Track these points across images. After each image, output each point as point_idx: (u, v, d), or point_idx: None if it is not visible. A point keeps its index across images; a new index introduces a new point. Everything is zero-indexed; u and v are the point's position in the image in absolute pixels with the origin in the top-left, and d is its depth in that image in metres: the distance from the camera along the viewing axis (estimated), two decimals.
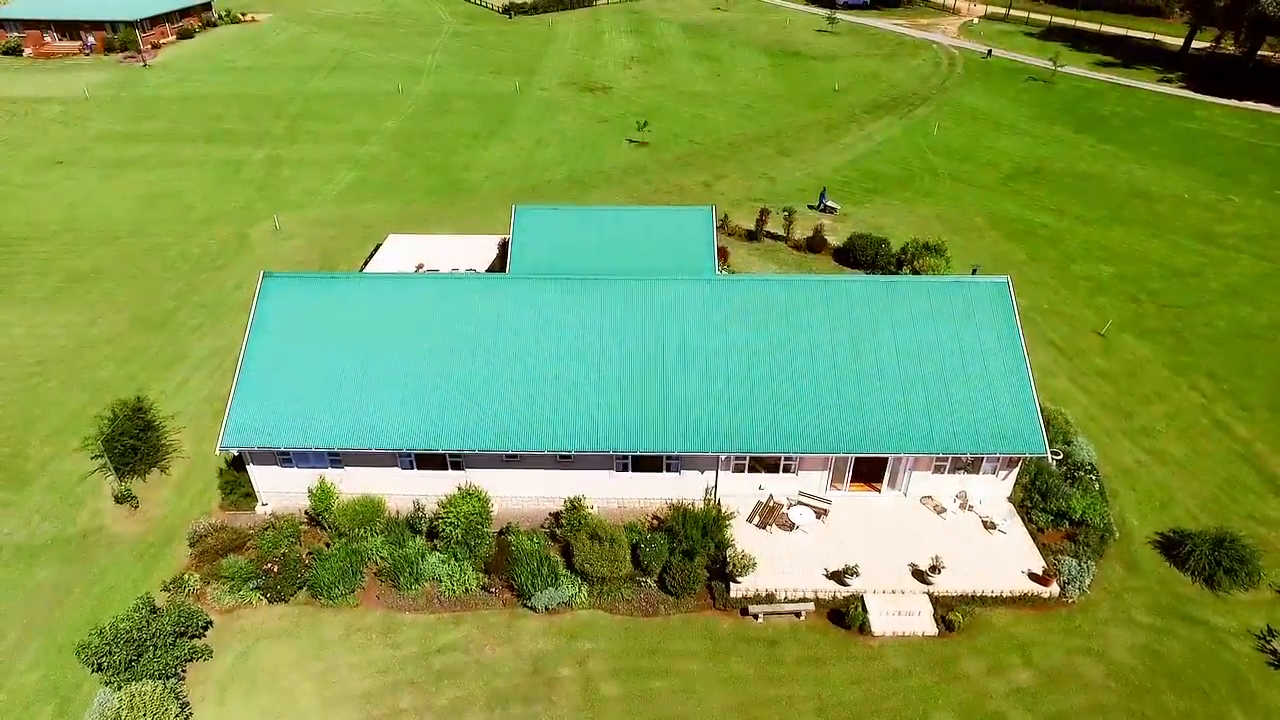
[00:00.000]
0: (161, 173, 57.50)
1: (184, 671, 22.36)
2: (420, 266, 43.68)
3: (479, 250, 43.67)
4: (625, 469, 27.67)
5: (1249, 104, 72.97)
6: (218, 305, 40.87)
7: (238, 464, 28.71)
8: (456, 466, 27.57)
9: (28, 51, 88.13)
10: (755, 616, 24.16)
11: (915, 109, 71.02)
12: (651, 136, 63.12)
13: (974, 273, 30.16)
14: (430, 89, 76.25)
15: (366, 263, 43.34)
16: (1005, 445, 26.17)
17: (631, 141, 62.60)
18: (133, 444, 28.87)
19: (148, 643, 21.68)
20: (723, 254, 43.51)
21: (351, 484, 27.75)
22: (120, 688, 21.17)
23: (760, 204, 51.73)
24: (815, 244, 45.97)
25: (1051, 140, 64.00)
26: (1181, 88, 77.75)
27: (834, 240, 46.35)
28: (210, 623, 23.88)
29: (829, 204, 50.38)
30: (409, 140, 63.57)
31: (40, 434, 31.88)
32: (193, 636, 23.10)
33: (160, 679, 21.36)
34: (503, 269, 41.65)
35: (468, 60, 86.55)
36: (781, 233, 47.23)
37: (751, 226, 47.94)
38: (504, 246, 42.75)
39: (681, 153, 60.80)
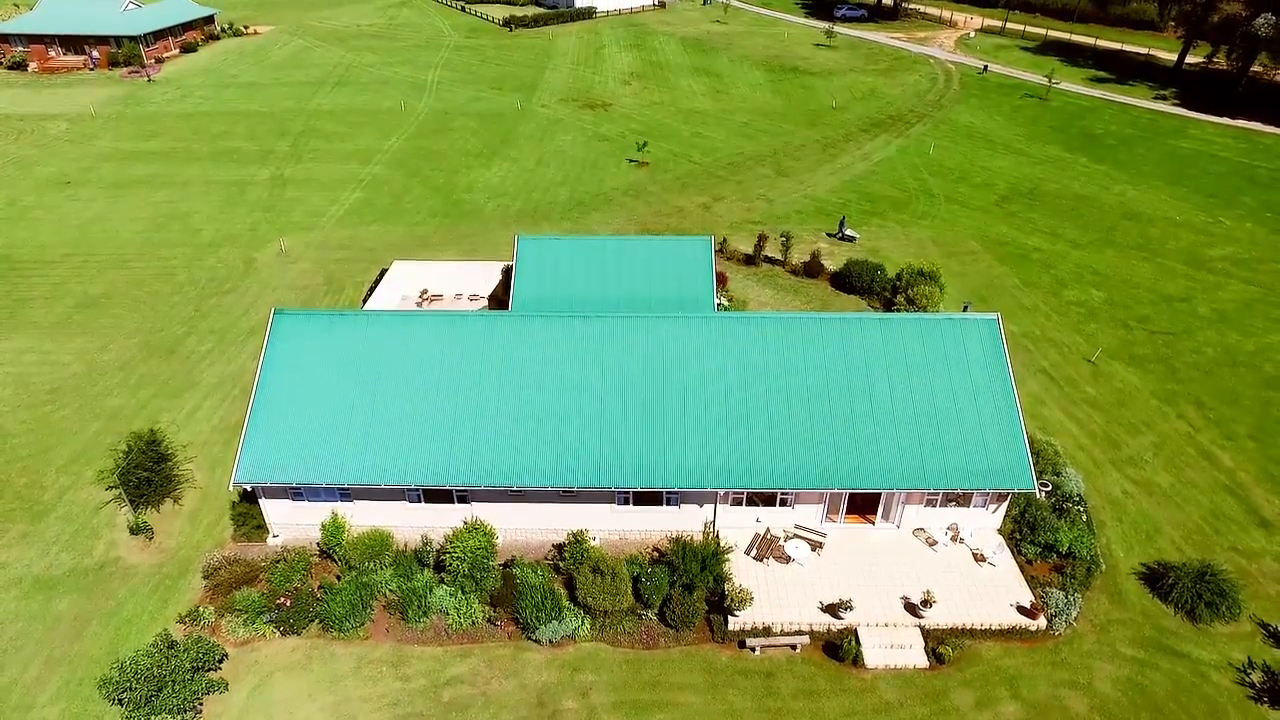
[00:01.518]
0: (168, 193, 58.33)
1: (201, 705, 23.17)
2: (425, 292, 44.56)
3: (482, 276, 44.52)
4: (626, 502, 28.50)
5: (1241, 122, 73.94)
6: (226, 331, 41.68)
7: (249, 496, 29.52)
8: (463, 500, 28.40)
9: (32, 66, 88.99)
10: (752, 649, 24.99)
11: (912, 127, 71.95)
12: (651, 157, 64.00)
13: (965, 309, 30.97)
14: (432, 106, 77.13)
15: (372, 289, 44.18)
16: (995, 481, 27.03)
17: (632, 161, 63.48)
18: (147, 476, 29.67)
19: (167, 678, 22.49)
20: (721, 279, 44.43)
21: (360, 517, 28.58)
22: None
23: (758, 226, 52.69)
24: (812, 269, 46.82)
25: (1045, 160, 64.93)
26: (1175, 105, 78.72)
27: (831, 265, 47.23)
28: (225, 655, 24.68)
29: (848, 233, 50.55)
30: (412, 160, 64.44)
31: (55, 463, 32.68)
32: (209, 670, 23.91)
33: (179, 713, 22.16)
34: (506, 294, 42.56)
35: (469, 75, 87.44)
36: (779, 257, 48.09)
37: (750, 251, 48.81)
38: (507, 272, 43.63)
39: (680, 173, 61.68)
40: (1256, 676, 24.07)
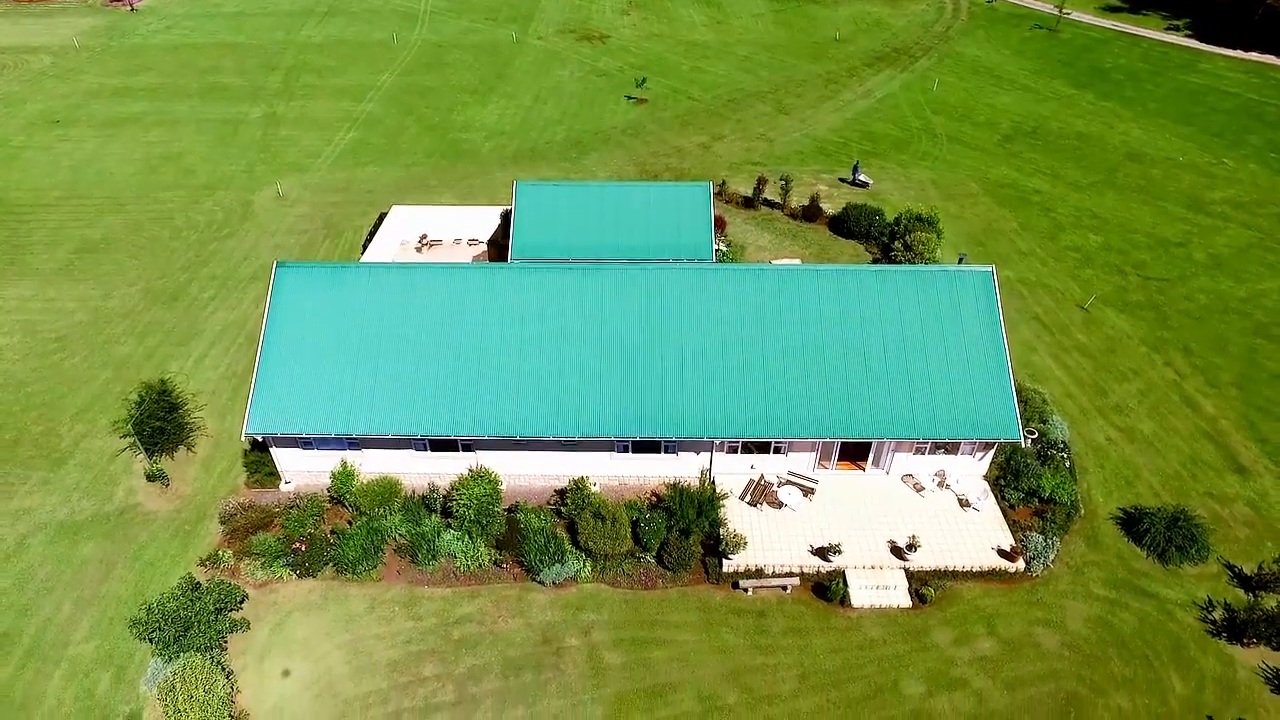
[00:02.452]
0: (160, 132, 57.54)
1: (226, 643, 24.62)
2: (424, 237, 44.65)
3: (481, 220, 44.46)
4: (625, 450, 29.47)
5: (1254, 56, 72.25)
6: (228, 278, 41.97)
7: (260, 444, 30.47)
8: (468, 448, 29.37)
9: None
10: (745, 590, 26.37)
11: (916, 61, 70.37)
12: (650, 93, 62.85)
13: (960, 261, 31.26)
14: (425, 38, 75.15)
15: (372, 234, 44.23)
16: (982, 431, 27.94)
17: (630, 99, 62.38)
18: (160, 425, 30.55)
19: (193, 619, 23.85)
20: (720, 224, 44.48)
21: (369, 465, 29.60)
22: (171, 659, 23.45)
23: (758, 167, 52.31)
24: (811, 213, 46.77)
25: (1051, 97, 63.81)
26: (1188, 36, 76.74)
27: (830, 209, 47.14)
28: (246, 596, 26.05)
29: (861, 178, 49.97)
30: (406, 96, 63.27)
31: (69, 411, 33.53)
32: (231, 610, 25.30)
33: (205, 651, 23.60)
34: (505, 239, 42.72)
35: (462, 3, 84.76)
36: (779, 200, 47.94)
37: (749, 193, 48.61)
38: (506, 216, 43.60)
39: (680, 111, 60.71)
40: (1217, 614, 25.51)
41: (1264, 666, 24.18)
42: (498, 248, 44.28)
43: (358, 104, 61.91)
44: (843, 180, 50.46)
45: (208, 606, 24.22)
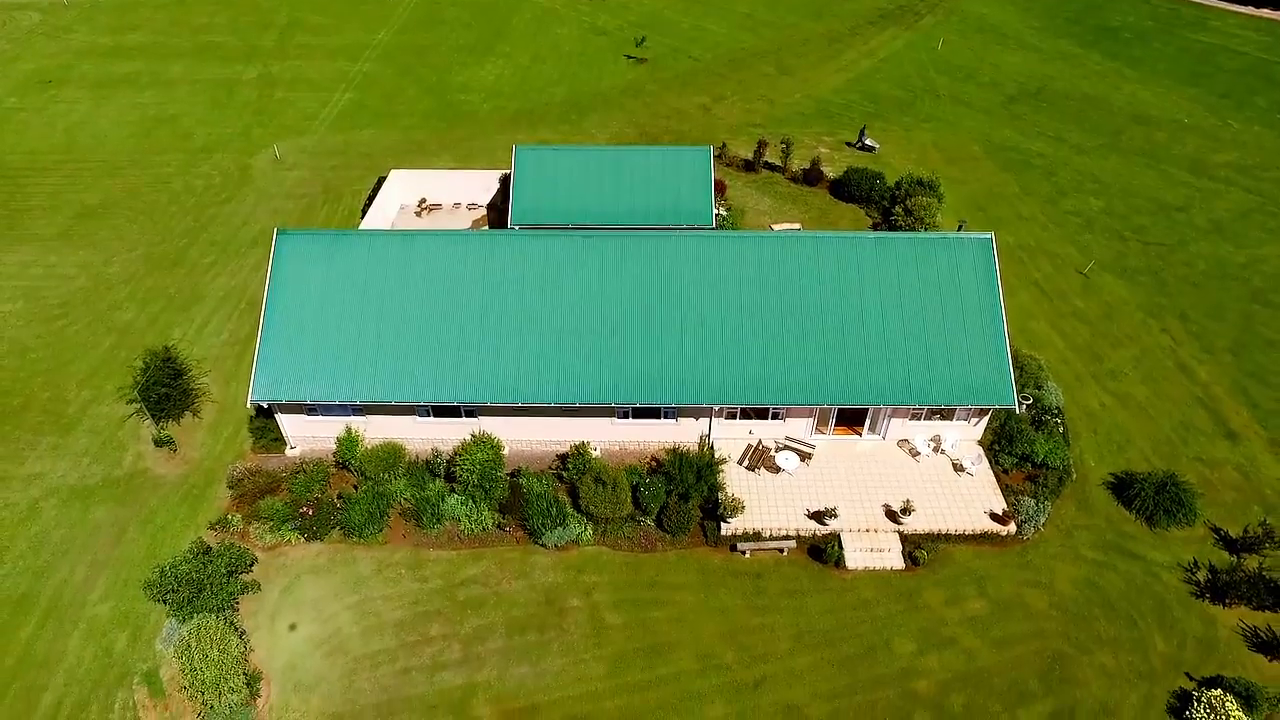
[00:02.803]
0: (154, 94, 56.84)
1: (237, 604, 25.34)
2: (423, 201, 44.55)
3: (480, 185, 44.29)
4: (626, 416, 29.89)
5: (1266, 12, 70.90)
6: (228, 243, 41.96)
7: (265, 410, 30.86)
8: (470, 414, 29.79)
9: None
10: (743, 552, 27.04)
11: (921, 18, 69.10)
12: (649, 53, 61.88)
13: (960, 228, 31.26)
14: None
15: (371, 198, 44.06)
16: (978, 398, 28.34)
17: (629, 58, 61.46)
18: (165, 391, 30.92)
19: (205, 581, 24.53)
20: (720, 187, 44.30)
21: (373, 430, 30.06)
22: (185, 620, 24.18)
23: (759, 130, 51.86)
24: (812, 176, 46.53)
25: (1057, 56, 62.86)
26: None
27: (830, 172, 46.88)
28: (255, 559, 26.71)
29: (868, 143, 49.28)
30: (403, 56, 62.33)
31: (75, 377, 33.87)
32: (242, 573, 25.98)
33: (218, 611, 24.33)
34: (505, 203, 42.60)
35: None
36: (779, 164, 47.63)
37: (750, 156, 48.28)
38: (505, 180, 43.42)
39: (680, 71, 59.89)
40: (1201, 575, 26.21)
41: (1243, 625, 24.96)
42: (498, 211, 44.21)
43: (353, 64, 61.02)
44: (850, 145, 49.95)
45: (219, 569, 24.89)
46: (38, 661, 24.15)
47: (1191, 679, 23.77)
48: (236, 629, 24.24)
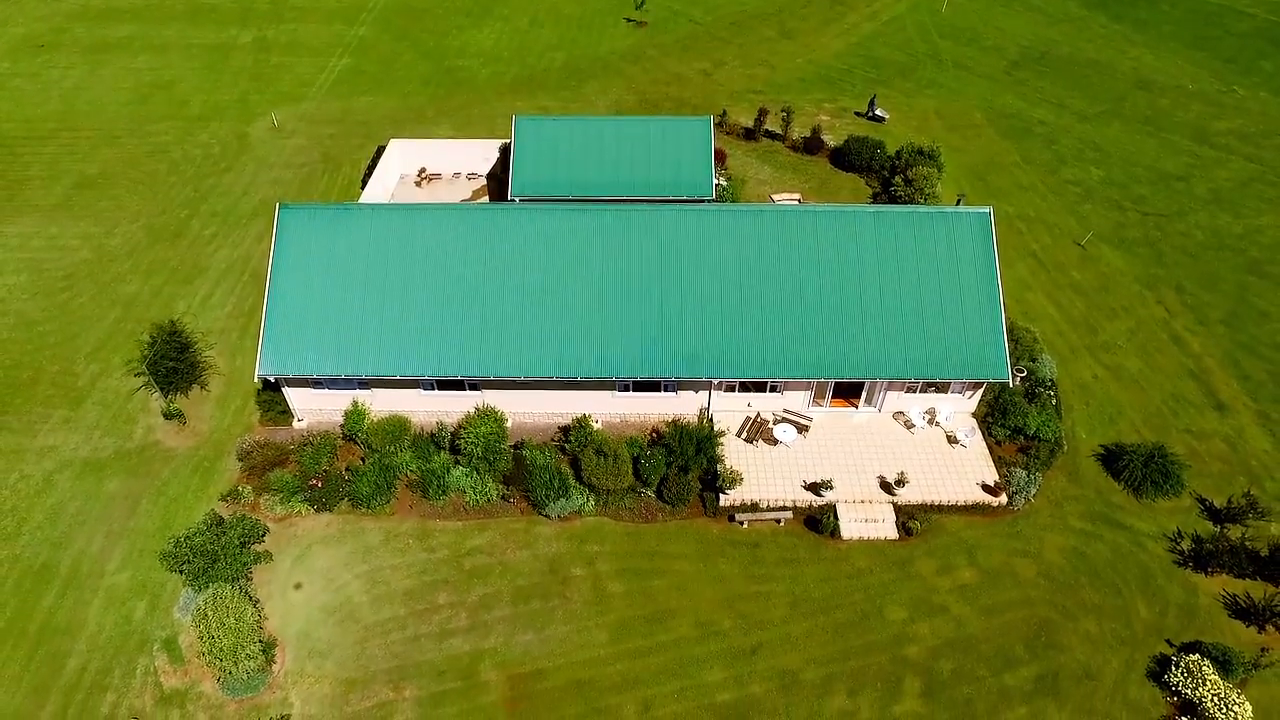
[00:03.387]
0: (148, 59, 56.20)
1: (250, 574, 26.16)
2: (423, 171, 44.48)
3: (480, 154, 44.16)
4: (626, 389, 30.42)
5: None
6: (228, 214, 42.01)
7: (272, 384, 31.34)
8: (474, 388, 30.31)
9: None
10: (741, 523, 27.80)
11: None
12: (649, 15, 60.98)
13: (958, 202, 31.36)
14: None
15: (370, 168, 43.96)
16: (973, 371, 28.83)
17: (629, 21, 60.60)
18: (173, 365, 31.38)
19: (219, 552, 25.31)
20: (720, 156, 44.20)
21: (378, 403, 30.60)
22: (201, 589, 25.02)
23: (760, 96, 51.48)
24: (812, 145, 46.35)
25: (1062, 18, 61.98)
26: None
27: (831, 140, 46.69)
28: (267, 530, 27.47)
29: (878, 112, 48.73)
30: (399, 18, 61.43)
31: (83, 350, 34.30)
32: (254, 543, 26.76)
33: (232, 581, 25.15)
34: (505, 172, 42.57)
35: None
36: (780, 131, 47.40)
37: (750, 123, 48.01)
38: (505, 150, 43.31)
39: (681, 35, 59.12)
40: (1185, 545, 27.02)
41: (1224, 593, 25.83)
42: (497, 181, 44.17)
43: (350, 27, 60.17)
44: (859, 114, 49.39)
45: (233, 541, 25.66)
46: (60, 629, 25.05)
47: (1171, 645, 24.70)
48: (251, 598, 25.08)
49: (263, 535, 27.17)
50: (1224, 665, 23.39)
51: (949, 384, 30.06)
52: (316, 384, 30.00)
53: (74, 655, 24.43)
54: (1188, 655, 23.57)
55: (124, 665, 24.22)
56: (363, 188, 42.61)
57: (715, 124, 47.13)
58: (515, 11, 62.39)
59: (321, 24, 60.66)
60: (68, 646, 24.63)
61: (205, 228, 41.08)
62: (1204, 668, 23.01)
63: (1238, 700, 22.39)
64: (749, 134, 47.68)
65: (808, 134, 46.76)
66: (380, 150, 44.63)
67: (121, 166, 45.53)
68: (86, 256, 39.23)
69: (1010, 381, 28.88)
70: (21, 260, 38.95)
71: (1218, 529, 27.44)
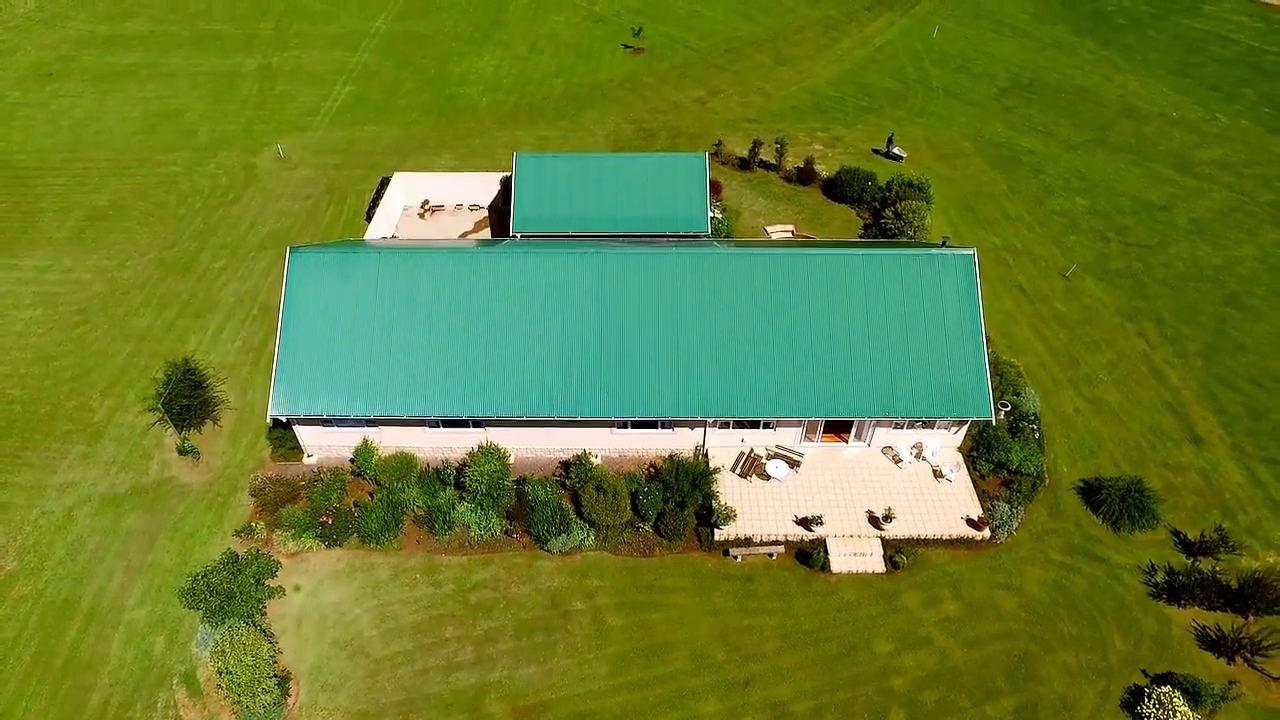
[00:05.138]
0: (155, 87, 57.35)
1: (265, 609, 27.30)
2: (426, 203, 45.69)
3: (482, 187, 45.37)
4: (625, 426, 31.59)
5: None
6: (237, 246, 43.15)
7: (283, 422, 32.46)
8: (478, 425, 31.47)
9: None
10: (735, 557, 28.98)
11: (918, 3, 69.17)
12: (646, 42, 62.23)
13: (944, 243, 32.55)
14: None
15: (375, 200, 45.11)
16: (957, 410, 30.04)
17: (627, 47, 61.83)
18: (186, 403, 32.51)
19: (235, 590, 26.44)
20: (715, 188, 45.40)
21: (385, 439, 31.75)
22: (217, 625, 26.16)
23: (755, 125, 52.77)
24: (805, 175, 47.59)
25: (1051, 45, 63.29)
26: None
27: (824, 171, 47.93)
28: (280, 565, 28.61)
29: (896, 151, 49.12)
30: (400, 45, 62.63)
31: (98, 385, 35.41)
32: (268, 579, 27.89)
33: (247, 618, 26.29)
34: (505, 204, 43.79)
35: None
36: (774, 162, 48.62)
37: (745, 153, 49.23)
38: (505, 183, 44.52)
39: (677, 62, 60.36)
40: (1159, 577, 28.24)
41: (1195, 625, 27.04)
42: (498, 212, 45.39)
43: (352, 54, 61.36)
44: (876, 152, 49.94)
45: (248, 580, 26.79)
46: (84, 663, 26.18)
47: (1146, 675, 25.91)
48: (266, 633, 26.22)
49: (275, 571, 28.30)
50: (1194, 696, 24.59)
51: (935, 420, 31.25)
52: (326, 422, 31.15)
53: (97, 690, 25.56)
54: (1160, 687, 24.77)
55: (145, 699, 25.36)
56: (368, 220, 43.79)
57: (711, 154, 48.53)
58: (515, 38, 63.62)
59: (325, 50, 61.84)
60: (91, 681, 25.77)
61: (214, 260, 42.23)
62: (1175, 699, 24.21)
63: None
64: (744, 164, 48.91)
65: (801, 164, 48.00)
66: (384, 181, 45.83)
67: (131, 198, 46.68)
68: (100, 290, 40.36)
69: (993, 419, 30.09)
70: (37, 294, 40.07)
71: (1190, 562, 28.67)
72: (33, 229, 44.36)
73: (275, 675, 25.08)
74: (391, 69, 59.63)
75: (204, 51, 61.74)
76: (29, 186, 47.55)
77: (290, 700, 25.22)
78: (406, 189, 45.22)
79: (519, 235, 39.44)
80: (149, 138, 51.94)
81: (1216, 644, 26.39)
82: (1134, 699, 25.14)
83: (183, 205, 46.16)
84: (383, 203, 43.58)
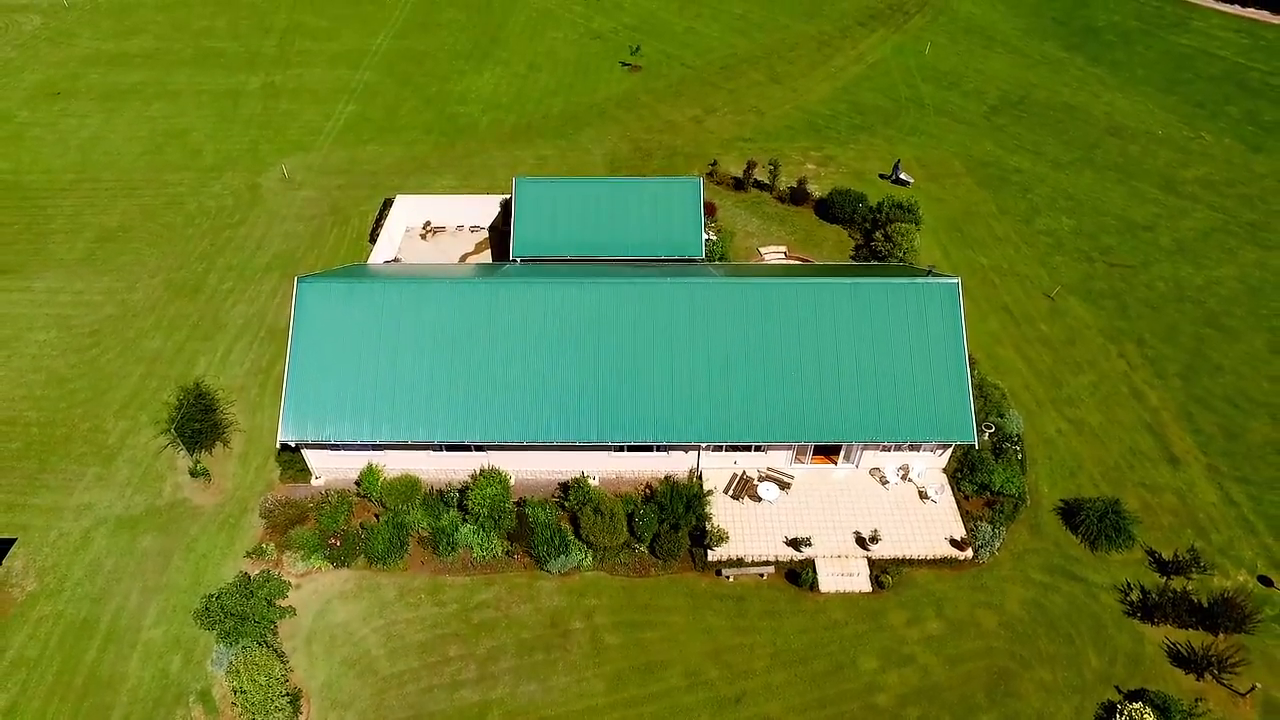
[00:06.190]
0: (161, 106, 58.44)
1: (276, 628, 28.47)
2: (428, 224, 46.83)
3: (482, 209, 46.51)
4: (621, 449, 32.76)
5: (1250, 11, 72.19)
6: (243, 268, 44.28)
7: (291, 446, 33.60)
8: (479, 448, 32.63)
9: None
10: (727, 577, 30.16)
11: (911, 19, 70.35)
12: (644, 59, 63.33)
13: (929, 272, 33.71)
14: None
15: (378, 224, 46.22)
16: (941, 434, 31.20)
17: (625, 65, 62.94)
18: (198, 427, 33.65)
19: (248, 612, 27.61)
20: (710, 209, 46.55)
21: (390, 462, 32.92)
22: (231, 645, 27.34)
23: (749, 144, 53.93)
24: (798, 196, 48.73)
25: (1041, 61, 64.46)
26: None
27: (816, 191, 49.08)
28: (290, 585, 29.76)
29: (903, 176, 49.76)
30: (402, 63, 63.73)
31: (111, 408, 36.55)
32: (279, 599, 29.04)
33: (260, 640, 27.46)
34: (505, 225, 44.95)
35: None
36: (768, 182, 49.76)
37: (740, 174, 50.38)
38: (504, 205, 45.67)
39: (673, 80, 61.48)
40: (1134, 596, 29.45)
41: (1167, 642, 28.26)
42: (498, 234, 46.54)
43: (354, 72, 62.46)
44: (883, 176, 50.71)
45: (260, 603, 27.96)
46: (104, 682, 27.35)
47: (1119, 691, 27.12)
48: (277, 652, 27.40)
49: (286, 592, 29.46)
50: (1163, 712, 25.80)
51: (921, 444, 32.42)
52: (334, 446, 32.30)
53: (117, 707, 26.74)
54: (1131, 703, 25.97)
55: (163, 717, 26.53)
56: (371, 241, 44.95)
57: (707, 174, 49.72)
58: (514, 56, 64.71)
59: (327, 69, 62.93)
60: (111, 699, 26.94)
61: (222, 282, 43.36)
62: (1145, 715, 25.42)
63: None
64: (738, 184, 50.06)
65: (794, 184, 49.15)
66: (387, 203, 46.93)
67: (140, 219, 47.79)
68: (111, 312, 41.49)
69: (975, 444, 31.27)
70: (50, 316, 41.20)
71: (1164, 581, 29.87)
72: (44, 250, 45.48)
73: (287, 694, 26.27)
74: (393, 87, 60.73)
75: (208, 70, 62.82)
76: (40, 207, 48.66)
77: (302, 717, 26.39)
78: (408, 211, 46.34)
79: (519, 260, 40.59)
80: (156, 158, 53.05)
81: (1187, 661, 27.60)
82: (1107, 714, 26.36)
83: (190, 226, 47.28)
84: (385, 224, 44.75)
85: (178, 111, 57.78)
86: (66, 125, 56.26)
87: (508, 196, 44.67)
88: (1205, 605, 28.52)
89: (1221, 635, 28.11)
